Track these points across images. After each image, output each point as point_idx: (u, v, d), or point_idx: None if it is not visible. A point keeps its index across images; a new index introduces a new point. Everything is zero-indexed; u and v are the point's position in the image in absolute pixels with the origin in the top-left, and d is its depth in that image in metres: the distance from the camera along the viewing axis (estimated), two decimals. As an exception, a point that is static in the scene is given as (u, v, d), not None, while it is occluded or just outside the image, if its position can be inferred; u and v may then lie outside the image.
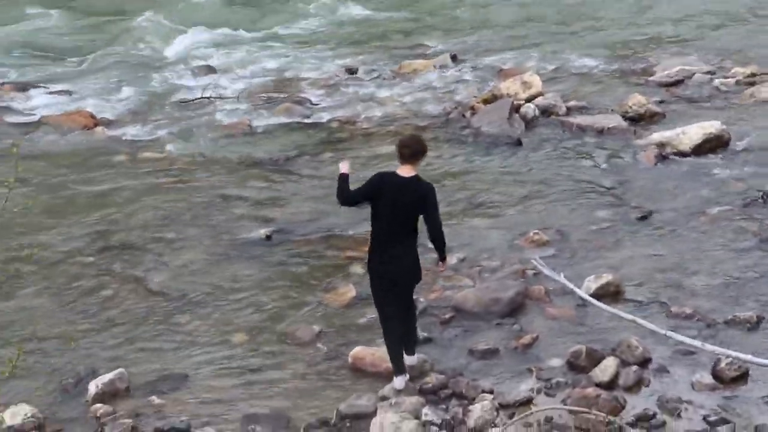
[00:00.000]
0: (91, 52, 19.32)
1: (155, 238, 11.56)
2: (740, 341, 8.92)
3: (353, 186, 8.40)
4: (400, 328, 8.50)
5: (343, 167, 8.48)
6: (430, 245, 10.51)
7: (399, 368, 8.47)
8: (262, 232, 11.57)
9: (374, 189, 8.25)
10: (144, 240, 11.54)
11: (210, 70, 18.20)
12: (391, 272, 8.29)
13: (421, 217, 8.30)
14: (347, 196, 8.38)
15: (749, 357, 7.82)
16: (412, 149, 8.28)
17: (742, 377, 8.48)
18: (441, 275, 9.85)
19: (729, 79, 15.95)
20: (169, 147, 14.48)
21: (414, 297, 8.96)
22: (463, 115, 15.13)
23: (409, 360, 8.66)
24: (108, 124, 15.56)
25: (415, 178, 8.24)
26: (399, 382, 8.45)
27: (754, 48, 17.77)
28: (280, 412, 8.27)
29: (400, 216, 8.18)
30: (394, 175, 8.29)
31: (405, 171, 8.26)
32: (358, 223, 11.03)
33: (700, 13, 20.43)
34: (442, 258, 8.54)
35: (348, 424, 8.03)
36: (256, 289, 10.40)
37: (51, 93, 17.09)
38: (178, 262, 11.00)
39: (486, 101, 15.27)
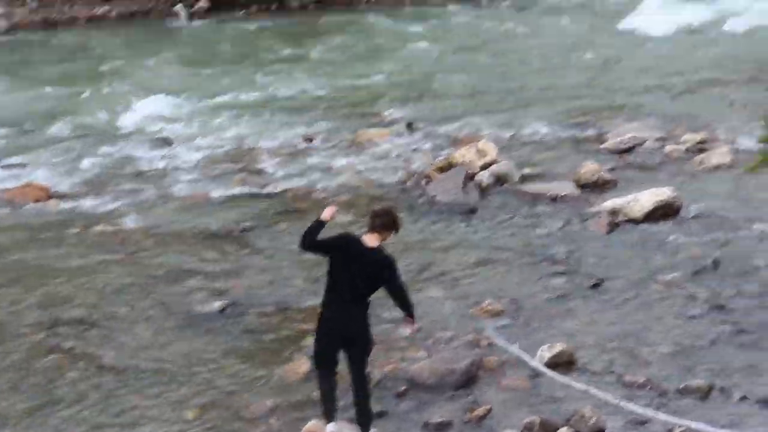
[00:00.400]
0: (47, 122, 19.28)
1: (108, 314, 11.44)
2: (693, 410, 8.94)
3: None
4: (335, 386, 8.60)
5: (326, 213, 8.47)
6: (385, 314, 10.56)
7: (331, 418, 8.59)
8: (217, 305, 11.50)
9: (336, 247, 8.35)
10: (96, 315, 11.42)
11: (167, 140, 18.21)
12: (346, 330, 8.34)
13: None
14: (310, 241, 8.37)
15: (702, 426, 7.84)
16: (382, 220, 8.42)
17: (695, 446, 8.47)
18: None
19: (679, 146, 16.20)
20: (123, 220, 14.40)
21: (368, 370, 8.97)
22: (419, 184, 15.21)
23: None
24: (62, 197, 15.48)
25: (378, 249, 8.33)
26: (330, 427, 8.55)
27: (703, 114, 18.07)
28: (232, 490, 8.17)
29: (358, 282, 8.26)
30: (358, 242, 8.39)
31: (370, 240, 8.38)
32: (313, 294, 10.98)
33: (650, 80, 20.79)
34: (411, 315, 8.58)
35: (300, 502, 7.93)
36: (210, 363, 10.30)
37: (3, 167, 16.99)
38: (131, 337, 10.89)
39: (441, 169, 15.37)
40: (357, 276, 8.23)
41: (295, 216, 14.40)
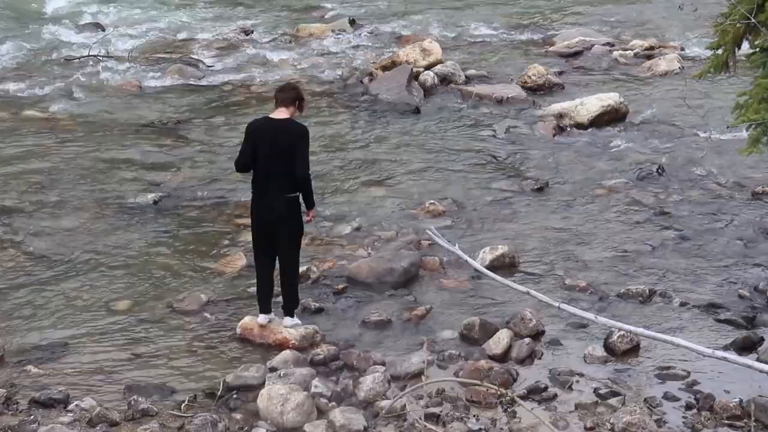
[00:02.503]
0: (-31, 3, 18.75)
1: (36, 201, 11.26)
2: (633, 314, 9.08)
3: None
4: (271, 274, 8.71)
5: None
6: (326, 212, 10.52)
7: (263, 308, 8.75)
8: (150, 197, 11.38)
9: (250, 137, 8.52)
10: (23, 203, 11.23)
11: (98, 27, 17.83)
12: (271, 214, 8.43)
13: None
14: (237, 161, 8.69)
15: (641, 330, 7.94)
16: (285, 93, 8.59)
17: (634, 350, 8.62)
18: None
19: (628, 52, 16.24)
20: (53, 106, 14.14)
21: (303, 265, 9.11)
22: (361, 81, 15.11)
23: (286, 321, 8.72)
24: (-13, 80, 15.14)
25: (289, 120, 8.47)
26: (261, 318, 8.75)
27: (653, 20, 18.11)
28: (165, 382, 8.14)
29: (275, 158, 8.35)
30: (266, 118, 8.61)
31: (278, 114, 8.50)
32: (249, 190, 10.89)
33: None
34: (309, 205, 8.62)
35: (235, 396, 7.93)
36: (142, 255, 10.22)
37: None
38: (60, 227, 10.75)
39: (384, 68, 15.27)
40: (272, 151, 8.35)
41: (232, 109, 14.29)
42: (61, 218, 10.94)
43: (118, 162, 12.38)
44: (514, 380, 8.21)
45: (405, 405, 7.76)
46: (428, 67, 15.09)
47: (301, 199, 8.57)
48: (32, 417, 7.60)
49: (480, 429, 7.59)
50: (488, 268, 9.48)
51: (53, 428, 7.42)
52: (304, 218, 8.70)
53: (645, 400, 7.93)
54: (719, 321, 9.05)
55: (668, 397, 7.98)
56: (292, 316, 8.76)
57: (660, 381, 8.22)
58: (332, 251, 10.27)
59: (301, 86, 14.63)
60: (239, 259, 10.05)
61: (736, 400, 7.81)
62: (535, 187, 11.69)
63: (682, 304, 9.32)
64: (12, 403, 7.80)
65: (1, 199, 11.32)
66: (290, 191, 8.44)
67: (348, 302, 9.43)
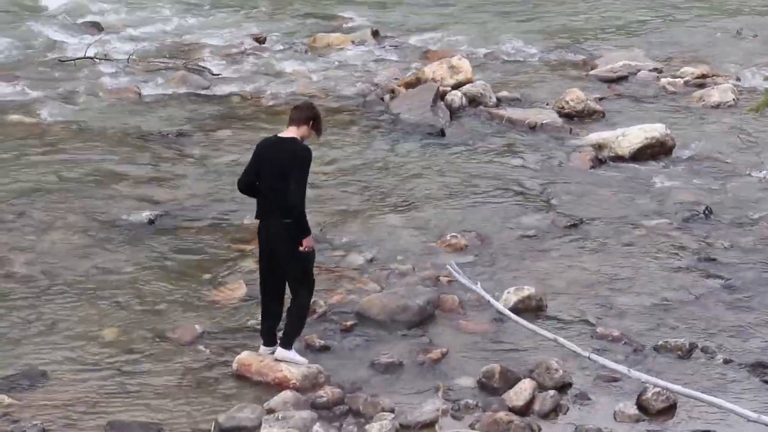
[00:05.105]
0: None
1: (20, 215, 11.35)
2: (670, 369, 9.07)
3: None
4: (276, 304, 8.87)
5: None
6: (335, 240, 10.54)
7: (266, 340, 8.92)
8: (145, 215, 11.46)
9: (255, 155, 8.76)
10: (7, 216, 11.32)
11: (97, 26, 18.02)
12: (270, 239, 8.64)
13: None
14: (240, 179, 8.88)
15: (678, 387, 7.96)
16: (298, 112, 8.80)
17: (670, 409, 8.60)
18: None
19: (677, 79, 16.30)
20: (43, 111, 14.30)
21: (313, 299, 9.08)
22: (382, 99, 15.22)
23: (279, 353, 8.78)
24: (-26, 79, 15.31)
25: (294, 139, 8.64)
26: (263, 349, 8.92)
27: (707, 46, 18.16)
28: (151, 420, 8.16)
29: (272, 179, 8.52)
30: (273, 137, 8.85)
31: (287, 132, 8.72)
32: (254, 211, 10.95)
33: (650, 3, 20.76)
34: (303, 234, 8.61)
35: (227, 439, 7.97)
36: (134, 279, 10.29)
37: None
38: (46, 244, 10.84)
39: (408, 85, 15.36)
40: (270, 171, 8.54)
41: (239, 123, 14.40)
42: (46, 235, 11.02)
43: (111, 175, 12.47)
44: (536, 436, 8.22)
45: (414, 458, 7.80)
46: (456, 87, 15.18)
47: None
48: (3, 452, 7.66)
49: (496, 488, 7.61)
50: (512, 310, 9.52)
51: (26, 465, 7.48)
52: (300, 247, 8.65)
53: (679, 465, 7.95)
54: (767, 382, 9.03)
55: (706, 464, 7.99)
56: (286, 348, 8.80)
57: (698, 446, 8.23)
58: (341, 284, 10.31)
59: (316, 101, 14.91)
60: (239, 288, 10.11)
61: (783, 471, 7.80)
62: (568, 223, 11.72)
63: (726, 362, 9.30)
64: (-18, 435, 7.86)
65: (-21, 210, 11.46)
66: (289, 215, 8.54)
67: (356, 341, 9.46)
